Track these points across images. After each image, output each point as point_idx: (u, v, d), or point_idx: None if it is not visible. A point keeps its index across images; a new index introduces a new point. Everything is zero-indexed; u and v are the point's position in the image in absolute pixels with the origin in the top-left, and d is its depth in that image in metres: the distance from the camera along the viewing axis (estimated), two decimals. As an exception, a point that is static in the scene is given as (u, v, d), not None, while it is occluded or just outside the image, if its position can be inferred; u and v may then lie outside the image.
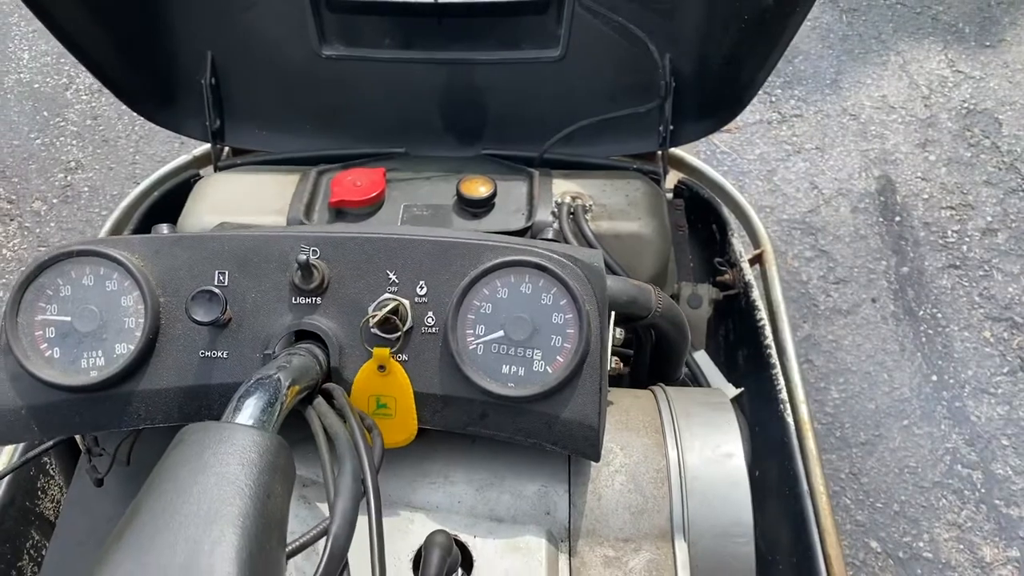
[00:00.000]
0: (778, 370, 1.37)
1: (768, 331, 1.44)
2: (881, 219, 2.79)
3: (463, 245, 0.84)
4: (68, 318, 0.82)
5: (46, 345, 0.82)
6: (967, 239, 2.74)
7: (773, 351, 1.41)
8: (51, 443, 0.97)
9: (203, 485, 0.56)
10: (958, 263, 2.67)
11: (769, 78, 1.34)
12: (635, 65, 1.39)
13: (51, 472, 1.33)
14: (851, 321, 2.56)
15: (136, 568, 0.51)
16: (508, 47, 1.41)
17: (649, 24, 1.35)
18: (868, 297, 2.61)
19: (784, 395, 1.34)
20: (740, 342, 1.58)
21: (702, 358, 1.50)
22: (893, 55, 3.28)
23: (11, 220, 2.96)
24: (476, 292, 0.82)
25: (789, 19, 1.21)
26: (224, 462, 0.57)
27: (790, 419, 1.30)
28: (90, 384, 0.81)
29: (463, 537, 0.82)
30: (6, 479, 1.23)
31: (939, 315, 2.56)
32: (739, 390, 1.44)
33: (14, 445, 1.26)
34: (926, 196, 2.85)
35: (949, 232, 2.75)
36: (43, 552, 1.27)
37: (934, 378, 2.43)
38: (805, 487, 1.22)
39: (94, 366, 0.82)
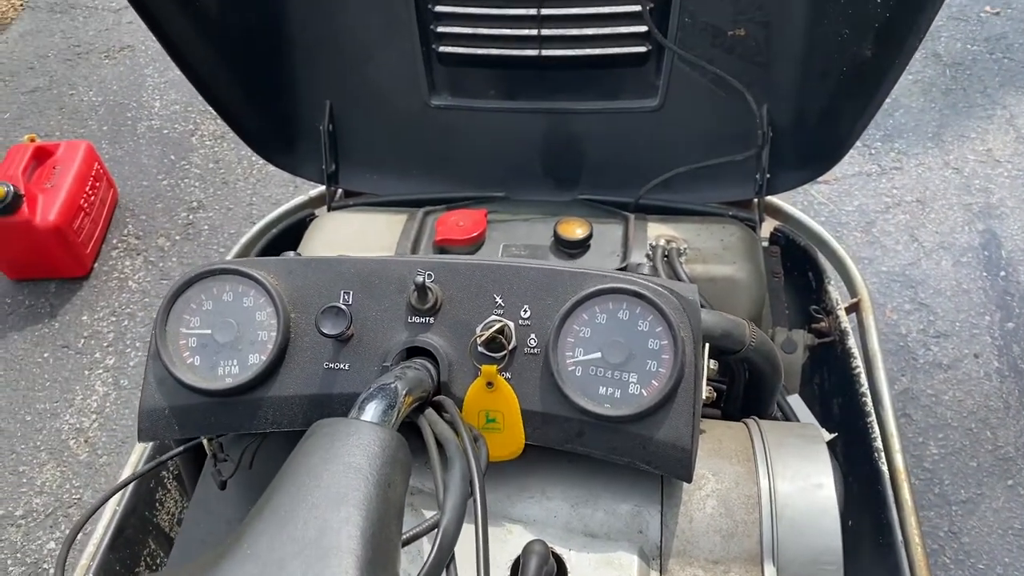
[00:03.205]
0: (873, 418, 1.35)
1: (864, 379, 1.42)
2: (985, 273, 2.72)
3: (565, 273, 0.89)
4: (209, 330, 0.91)
5: (188, 353, 0.92)
6: (1078, 296, 2.64)
7: (869, 399, 1.39)
8: (180, 448, 1.06)
9: (332, 472, 0.62)
10: (1068, 321, 2.58)
11: (869, 131, 1.34)
12: (732, 115, 1.42)
13: (168, 486, 1.42)
14: (952, 376, 2.49)
15: (274, 541, 0.57)
16: (607, 97, 1.46)
17: (746, 75, 1.37)
18: (970, 352, 2.54)
19: (879, 443, 1.31)
20: (835, 390, 1.56)
21: (796, 402, 1.49)
22: (999, 109, 3.21)
23: (138, 254, 3.18)
24: (576, 316, 0.87)
25: (887, 71, 1.23)
26: (351, 453, 0.64)
27: (884, 468, 1.27)
28: (225, 389, 0.89)
29: (558, 550, 0.86)
30: (129, 488, 1.33)
31: (1047, 373, 2.47)
32: (833, 435, 1.43)
33: (139, 455, 1.36)
34: (1033, 251, 2.77)
35: (1058, 289, 2.66)
36: (158, 561, 1.35)
37: (1042, 438, 2.34)
38: (900, 537, 1.19)
39: (230, 373, 0.90)
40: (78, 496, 2.49)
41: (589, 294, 0.87)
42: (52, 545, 2.38)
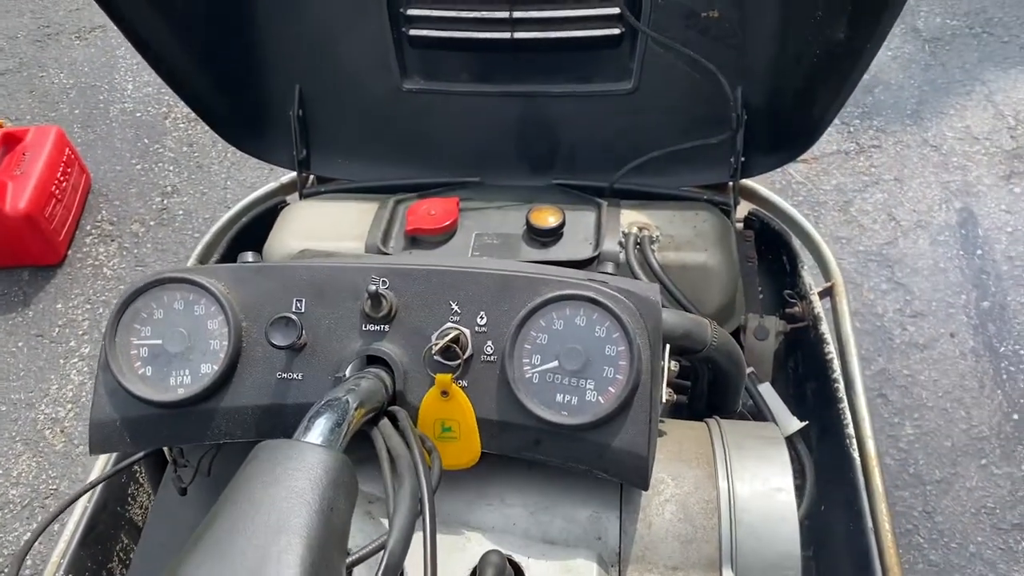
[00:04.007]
0: (845, 405, 1.35)
1: (836, 365, 1.43)
2: (962, 252, 2.73)
3: (522, 278, 0.88)
4: (160, 340, 0.90)
5: (140, 363, 0.90)
6: (1054, 274, 2.65)
7: (841, 385, 1.39)
8: (141, 454, 1.05)
9: (273, 498, 0.61)
10: (1044, 299, 2.59)
11: (847, 108, 1.34)
12: (706, 97, 1.41)
13: (141, 480, 1.41)
14: (928, 356, 2.50)
15: (211, 572, 0.57)
16: (581, 80, 1.45)
17: (720, 57, 1.36)
18: (946, 332, 2.55)
19: (851, 430, 1.32)
20: (808, 376, 1.56)
21: (767, 390, 1.49)
22: (978, 85, 3.21)
23: (112, 240, 3.14)
24: (533, 323, 0.86)
25: (861, 53, 1.22)
26: (293, 477, 0.63)
27: (856, 455, 1.28)
28: (177, 400, 0.88)
29: (517, 557, 0.85)
30: (100, 485, 1.32)
31: (1022, 352, 2.48)
32: (803, 423, 1.43)
33: (108, 455, 1.35)
34: (1010, 230, 2.77)
35: (1034, 267, 2.67)
36: (131, 555, 1.35)
37: (1015, 417, 2.35)
38: (870, 523, 1.20)
39: (181, 384, 0.89)
40: (54, 487, 2.48)
41: (545, 301, 0.86)
42: (29, 536, 2.37)
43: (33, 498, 2.46)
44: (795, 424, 1.43)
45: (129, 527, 1.38)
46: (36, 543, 0.90)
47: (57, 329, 2.89)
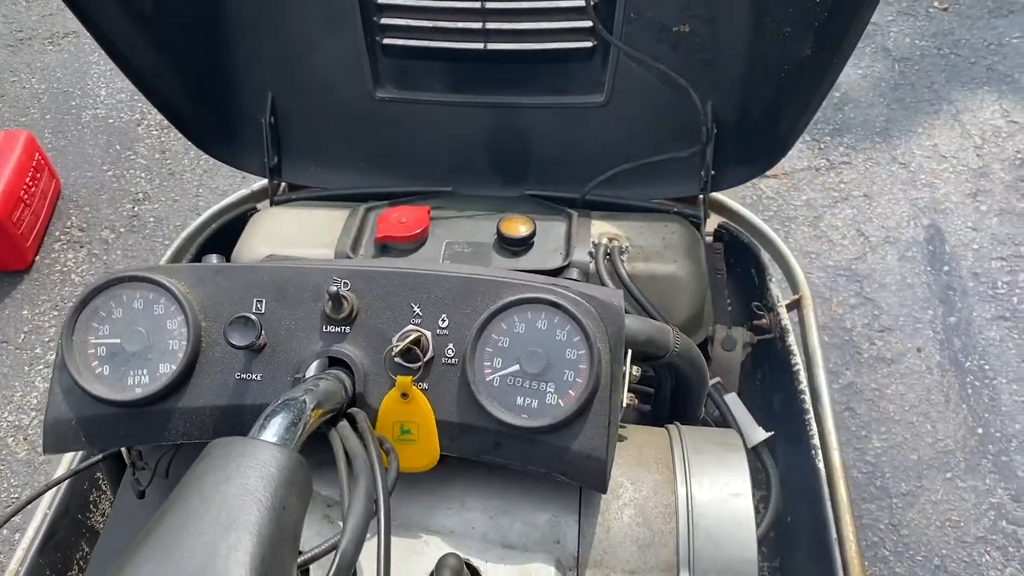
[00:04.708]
0: (811, 416, 1.36)
1: (803, 376, 1.44)
2: (929, 268, 2.77)
3: (484, 281, 0.88)
4: (118, 339, 0.89)
5: (97, 363, 0.89)
6: (1018, 291, 2.69)
7: (807, 397, 1.40)
8: (101, 456, 1.04)
9: (224, 494, 0.61)
10: (1008, 315, 2.63)
11: (818, 125, 1.35)
12: (677, 111, 1.42)
13: (103, 487, 1.39)
14: (895, 370, 2.53)
15: (156, 569, 0.56)
16: (554, 92, 1.45)
17: (691, 72, 1.37)
18: (913, 346, 2.58)
19: (816, 441, 1.33)
20: (775, 387, 1.57)
21: (733, 401, 1.50)
22: (946, 104, 3.26)
23: (81, 247, 3.11)
24: (494, 326, 0.86)
25: (827, 69, 1.24)
26: (245, 475, 0.62)
27: (821, 465, 1.29)
28: (134, 400, 0.87)
29: (475, 562, 0.85)
30: (62, 490, 1.30)
31: (987, 367, 2.51)
32: (769, 433, 1.44)
33: (71, 456, 1.33)
34: (976, 246, 2.82)
35: (999, 283, 2.71)
36: None
37: (980, 431, 2.38)
38: (834, 534, 1.20)
39: (139, 383, 0.88)
40: (16, 495, 2.44)
41: (506, 304, 0.86)
42: None
43: (-6, 507, 2.42)
44: (761, 434, 1.44)
45: (90, 534, 1.36)
46: None
47: (23, 335, 2.85)
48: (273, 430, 0.70)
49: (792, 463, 1.40)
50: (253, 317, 0.84)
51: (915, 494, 2.27)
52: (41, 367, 2.76)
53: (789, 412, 1.44)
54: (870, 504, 2.25)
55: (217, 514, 0.59)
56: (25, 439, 2.57)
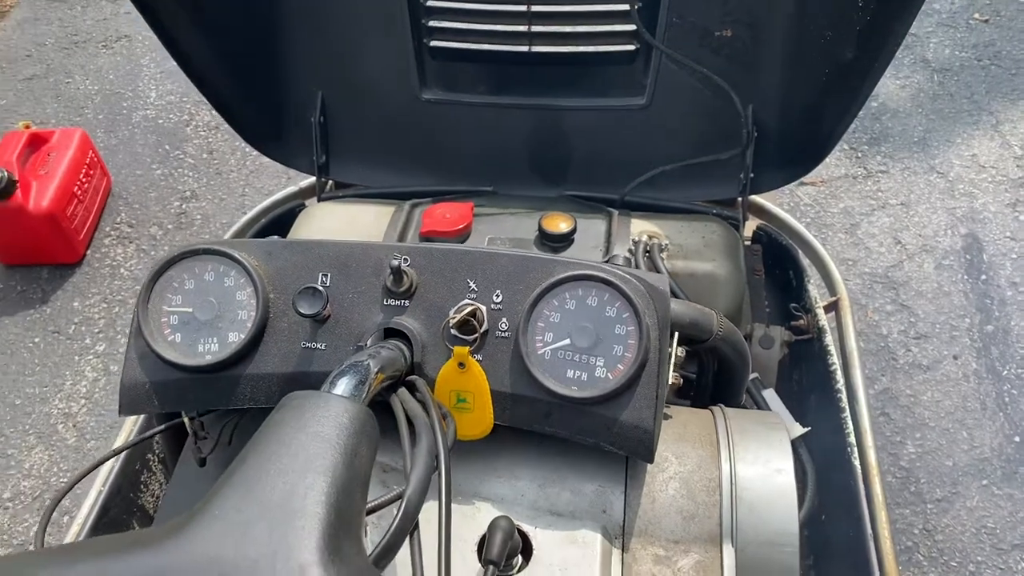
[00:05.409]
0: (847, 414, 1.38)
1: (840, 376, 1.45)
2: (966, 277, 2.76)
3: (537, 260, 0.93)
4: (190, 308, 0.94)
5: (170, 330, 0.95)
6: (1057, 301, 2.68)
7: (844, 396, 1.41)
8: (163, 426, 1.09)
9: (301, 441, 0.65)
10: (1047, 326, 2.61)
11: (856, 134, 1.36)
12: (718, 114, 1.44)
13: (153, 468, 1.45)
14: (931, 377, 2.52)
15: (241, 504, 0.60)
16: (595, 94, 1.48)
17: (732, 75, 1.39)
18: (950, 354, 2.58)
19: (852, 439, 1.34)
20: (812, 387, 1.58)
21: (771, 396, 1.52)
22: (985, 115, 3.25)
23: (130, 242, 3.20)
24: (546, 302, 0.90)
25: (868, 73, 1.25)
26: (321, 423, 0.67)
27: (857, 463, 1.30)
28: (205, 366, 0.92)
29: (524, 527, 0.89)
30: (115, 471, 1.35)
31: (1024, 376, 2.51)
32: (806, 429, 1.45)
33: (126, 435, 1.39)
34: (1015, 256, 2.80)
35: (1038, 293, 2.70)
36: None
37: (1017, 439, 2.37)
38: (869, 531, 1.22)
39: (209, 351, 0.93)
40: (65, 480, 2.51)
41: (558, 280, 0.90)
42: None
43: (44, 490, 2.50)
44: (798, 429, 1.46)
45: (141, 514, 1.40)
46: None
47: (73, 326, 2.94)
48: (343, 386, 0.75)
49: (827, 461, 1.41)
50: (320, 288, 0.89)
51: (950, 500, 2.27)
52: (90, 357, 2.84)
53: (825, 411, 1.45)
54: (904, 509, 2.25)
55: (295, 458, 0.64)
56: (74, 426, 2.65)
